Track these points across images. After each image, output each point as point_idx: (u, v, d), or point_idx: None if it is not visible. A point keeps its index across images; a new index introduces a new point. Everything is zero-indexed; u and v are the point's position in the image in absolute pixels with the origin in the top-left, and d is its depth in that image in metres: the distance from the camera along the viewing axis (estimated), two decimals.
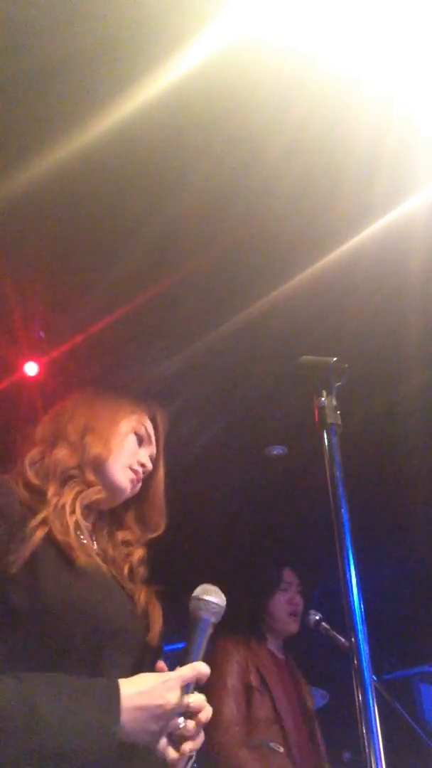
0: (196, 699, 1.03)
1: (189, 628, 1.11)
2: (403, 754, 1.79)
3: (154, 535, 1.38)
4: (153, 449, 1.43)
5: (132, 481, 1.33)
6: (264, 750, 2.21)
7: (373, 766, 1.01)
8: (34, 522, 1.10)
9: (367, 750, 1.01)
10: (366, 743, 1.02)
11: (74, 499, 1.20)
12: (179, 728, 1.00)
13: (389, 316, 2.72)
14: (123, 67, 1.75)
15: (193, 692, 1.03)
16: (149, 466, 1.39)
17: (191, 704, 1.01)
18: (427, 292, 2.59)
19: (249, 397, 3.25)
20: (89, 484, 1.24)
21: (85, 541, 1.20)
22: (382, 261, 2.45)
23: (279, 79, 1.80)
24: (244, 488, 4.06)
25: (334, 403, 1.26)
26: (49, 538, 1.10)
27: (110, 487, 1.29)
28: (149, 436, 1.40)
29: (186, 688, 1.02)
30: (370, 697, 1.05)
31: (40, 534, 1.09)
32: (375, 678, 1.18)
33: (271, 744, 2.23)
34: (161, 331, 2.79)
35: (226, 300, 2.64)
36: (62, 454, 1.24)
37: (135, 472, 1.33)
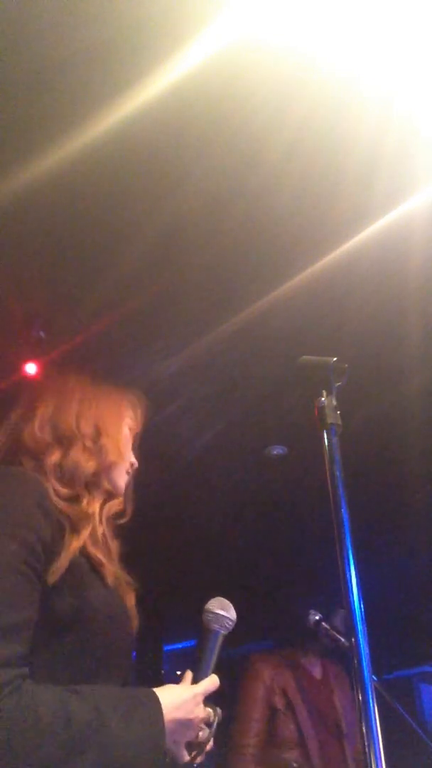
0: (214, 712, 1.09)
1: (201, 640, 1.15)
2: (403, 754, 1.79)
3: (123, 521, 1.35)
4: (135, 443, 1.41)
5: (127, 483, 1.31)
6: None
7: (373, 766, 1.01)
8: (70, 531, 1.08)
9: (367, 750, 1.02)
10: (366, 743, 1.02)
11: (101, 510, 1.18)
12: (197, 738, 1.06)
13: (389, 316, 2.72)
14: (123, 67, 1.75)
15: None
16: (136, 464, 1.37)
17: (210, 717, 1.08)
18: (427, 292, 2.59)
19: (249, 397, 3.25)
20: (109, 494, 1.23)
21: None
22: (382, 261, 2.45)
23: (279, 80, 1.81)
24: (244, 488, 4.06)
25: (334, 403, 1.26)
26: (84, 548, 1.09)
27: (114, 492, 1.27)
28: (134, 429, 1.38)
29: (207, 701, 1.08)
30: (370, 697, 1.05)
31: (76, 545, 1.07)
32: (375, 678, 1.17)
33: (294, 765, 2.25)
34: (161, 331, 2.79)
35: (226, 300, 2.63)
36: (81, 458, 1.19)
37: (129, 474, 1.32)
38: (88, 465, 1.19)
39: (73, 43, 1.69)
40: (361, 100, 1.87)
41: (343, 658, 2.64)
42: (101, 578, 1.09)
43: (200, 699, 1.06)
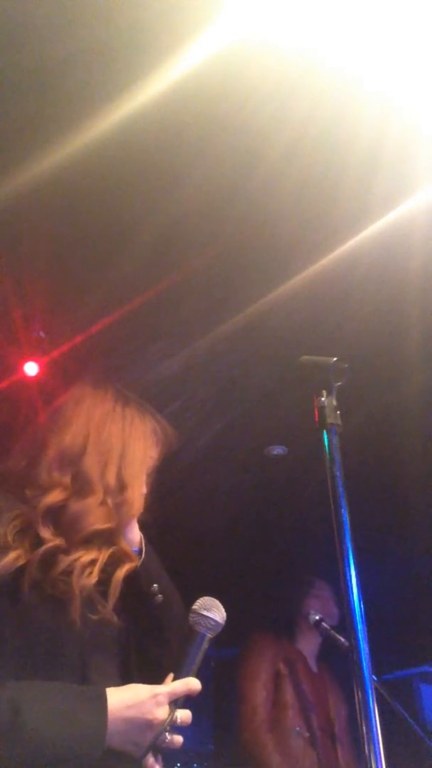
0: (184, 714, 1.03)
1: (185, 642, 1.10)
2: (403, 754, 1.79)
3: None
4: None
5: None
6: (289, 737, 2.23)
7: (373, 766, 1.01)
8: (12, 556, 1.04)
9: (367, 750, 1.01)
10: (366, 743, 1.02)
11: (101, 562, 1.09)
12: (165, 742, 1.00)
13: (389, 316, 2.72)
14: (123, 67, 1.75)
15: (181, 707, 1.03)
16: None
17: (179, 720, 1.01)
18: (427, 292, 2.59)
19: (249, 397, 3.24)
20: (121, 548, 1.13)
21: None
22: (382, 261, 2.45)
23: (279, 79, 1.80)
24: (244, 488, 4.06)
25: (334, 403, 1.26)
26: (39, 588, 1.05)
27: (125, 552, 1.18)
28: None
29: (175, 703, 1.03)
30: (370, 697, 1.05)
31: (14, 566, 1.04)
32: (375, 678, 1.18)
33: (297, 729, 2.25)
34: (161, 331, 2.79)
35: (226, 300, 2.63)
36: (98, 512, 1.10)
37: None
38: (107, 521, 1.11)
39: (73, 43, 1.69)
40: (362, 99, 1.87)
41: (336, 659, 2.66)
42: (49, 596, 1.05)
43: (163, 699, 1.01)
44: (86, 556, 1.08)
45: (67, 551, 1.08)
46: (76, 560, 1.07)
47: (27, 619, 1.04)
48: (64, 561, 1.07)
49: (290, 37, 1.71)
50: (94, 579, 1.08)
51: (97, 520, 1.11)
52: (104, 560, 1.10)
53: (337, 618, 2.57)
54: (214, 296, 2.61)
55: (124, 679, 1.11)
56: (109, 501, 1.14)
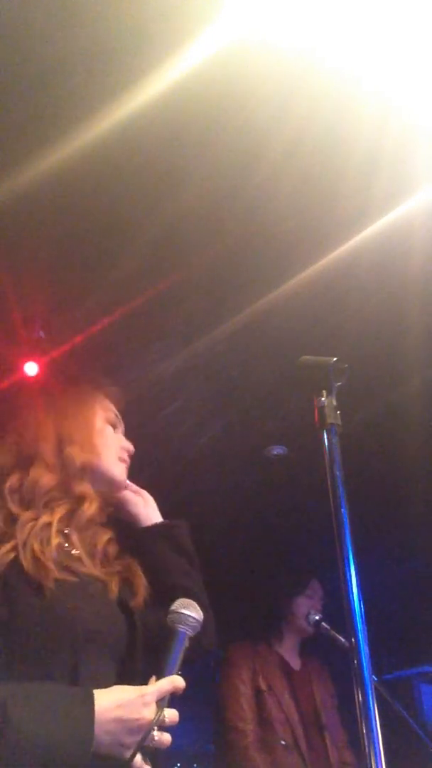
0: (171, 714, 1.03)
1: (166, 641, 1.11)
2: (403, 754, 1.79)
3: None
4: (122, 427, 1.42)
5: (125, 470, 1.33)
6: (277, 751, 2.24)
7: (373, 766, 1.01)
8: (3, 550, 1.09)
9: (367, 750, 1.01)
10: (366, 743, 1.02)
11: (60, 521, 1.17)
12: (153, 741, 1.00)
13: (389, 316, 2.72)
14: (123, 67, 1.75)
15: (168, 706, 1.04)
16: (132, 447, 1.38)
17: (167, 719, 1.02)
18: (427, 292, 2.59)
19: (249, 397, 3.24)
20: (79, 499, 1.22)
21: (73, 551, 1.19)
22: (382, 261, 2.45)
23: (279, 79, 1.80)
24: (244, 488, 4.06)
25: (334, 403, 1.27)
26: (18, 565, 1.09)
27: (109, 485, 1.29)
28: (117, 417, 1.39)
29: (162, 702, 1.03)
30: (370, 697, 1.05)
31: (6, 560, 1.09)
32: (375, 678, 1.18)
33: (283, 742, 2.26)
34: (161, 331, 2.79)
35: (226, 300, 2.63)
36: (41, 477, 1.20)
37: (125, 460, 1.34)
38: (51, 480, 1.20)
39: (73, 43, 1.69)
40: (361, 99, 1.87)
41: (320, 651, 2.68)
42: (37, 587, 1.08)
43: (150, 699, 1.01)
44: (41, 520, 1.15)
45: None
46: (33, 526, 1.14)
47: (19, 613, 1.05)
48: (27, 528, 1.13)
49: (290, 37, 1.71)
50: (55, 541, 1.13)
51: (44, 481, 1.20)
52: (60, 517, 1.17)
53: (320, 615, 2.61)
54: (214, 296, 2.61)
55: (121, 678, 1.11)
56: (51, 461, 1.23)
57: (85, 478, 1.25)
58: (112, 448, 1.32)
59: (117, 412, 1.40)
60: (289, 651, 2.56)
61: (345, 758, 2.45)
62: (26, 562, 1.09)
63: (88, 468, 1.25)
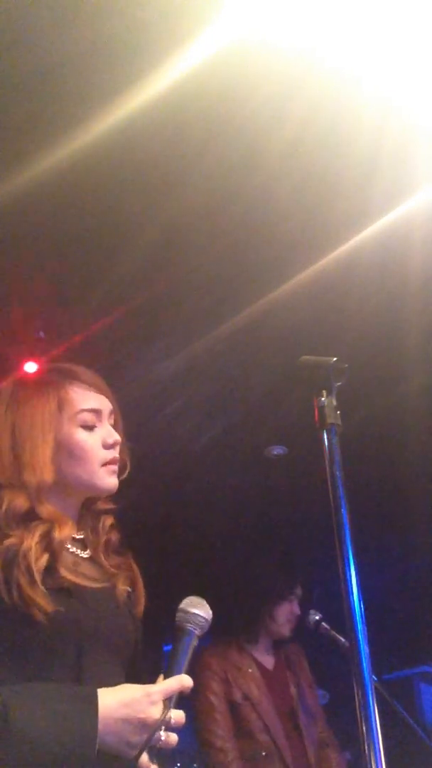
0: (178, 715, 1.02)
1: (174, 640, 1.10)
2: (403, 754, 1.79)
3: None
4: (105, 414, 1.27)
5: (115, 471, 1.24)
6: (258, 762, 2.25)
7: (373, 766, 1.01)
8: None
9: (367, 750, 1.01)
10: (366, 743, 1.02)
11: (38, 544, 1.09)
12: (160, 741, 0.99)
13: (389, 316, 2.72)
14: (123, 67, 1.75)
15: (175, 706, 1.02)
16: (118, 437, 1.25)
17: (173, 720, 1.00)
18: (428, 292, 2.59)
19: (249, 397, 3.24)
20: (52, 521, 1.14)
21: (77, 552, 1.18)
22: (382, 261, 2.45)
23: (279, 79, 1.80)
24: (244, 488, 4.06)
25: (334, 403, 1.26)
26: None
27: (99, 492, 1.23)
28: (94, 412, 1.24)
29: (169, 702, 1.02)
30: (370, 697, 1.05)
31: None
32: (375, 678, 1.18)
33: (264, 753, 2.26)
34: (161, 331, 2.79)
35: (226, 300, 2.63)
36: (12, 500, 1.13)
37: (112, 460, 1.23)
38: (21, 502, 1.14)
39: (73, 43, 1.69)
40: (361, 99, 1.87)
41: (320, 651, 2.66)
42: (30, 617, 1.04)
43: (157, 698, 1.00)
44: (25, 543, 1.09)
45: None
46: (17, 551, 1.08)
47: (24, 618, 1.04)
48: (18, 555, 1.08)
49: (290, 37, 1.71)
50: (43, 562, 1.08)
51: (18, 505, 1.13)
52: (40, 537, 1.10)
53: (298, 615, 2.59)
54: (214, 296, 2.61)
55: (127, 679, 1.11)
56: (13, 479, 1.16)
57: (48, 500, 1.17)
58: (88, 455, 1.20)
59: (94, 406, 1.24)
60: (262, 651, 2.54)
61: (324, 738, 2.46)
62: (15, 600, 1.04)
63: (44, 489, 1.16)
